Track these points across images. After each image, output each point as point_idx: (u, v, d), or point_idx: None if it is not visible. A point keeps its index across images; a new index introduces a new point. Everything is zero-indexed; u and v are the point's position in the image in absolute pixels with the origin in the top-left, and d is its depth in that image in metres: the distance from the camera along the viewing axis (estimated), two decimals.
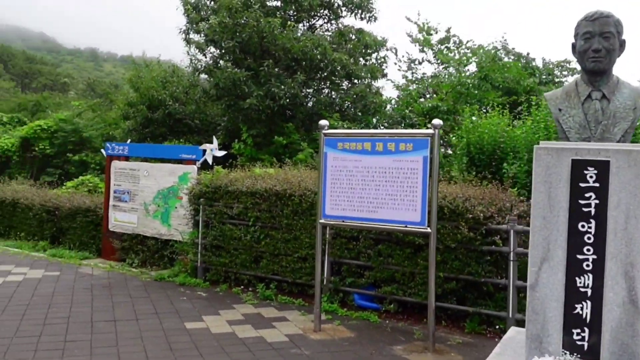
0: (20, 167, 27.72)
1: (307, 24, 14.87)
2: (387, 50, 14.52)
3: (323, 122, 5.95)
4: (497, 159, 7.86)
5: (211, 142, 8.91)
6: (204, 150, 8.52)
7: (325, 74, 13.19)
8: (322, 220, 5.92)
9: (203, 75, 14.52)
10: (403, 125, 11.80)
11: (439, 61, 14.64)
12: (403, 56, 15.61)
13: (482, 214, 5.82)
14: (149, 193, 9.29)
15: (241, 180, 7.80)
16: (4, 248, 10.47)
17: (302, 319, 6.32)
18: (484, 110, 10.84)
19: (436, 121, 5.38)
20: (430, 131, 5.35)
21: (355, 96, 13.18)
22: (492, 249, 5.93)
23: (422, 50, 14.96)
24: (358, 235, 6.71)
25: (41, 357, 4.82)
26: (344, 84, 14.01)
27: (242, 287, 7.64)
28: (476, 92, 11.96)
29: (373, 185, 5.59)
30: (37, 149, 26.85)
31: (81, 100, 34.53)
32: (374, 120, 12.94)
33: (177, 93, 14.20)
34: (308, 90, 13.03)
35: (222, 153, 8.72)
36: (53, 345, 5.11)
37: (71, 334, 5.46)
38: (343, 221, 5.84)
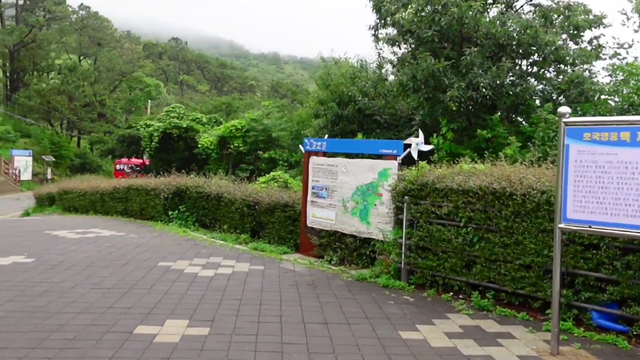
0: (218, 163, 30.16)
1: (504, 5, 13.58)
2: (603, 27, 12.57)
3: (563, 109, 5.04)
4: None
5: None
6: (407, 145, 8.00)
7: (534, 59, 11.86)
8: (562, 225, 5.01)
9: (391, 70, 14.10)
10: (633, 114, 10.13)
11: None
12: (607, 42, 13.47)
13: None
14: (347, 189, 9.05)
15: (450, 177, 7.14)
16: (211, 240, 11.04)
17: (530, 337, 5.47)
18: None
19: None
20: None
21: (571, 83, 11.66)
22: None
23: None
24: (599, 242, 5.66)
25: (262, 359, 4.67)
26: (550, 70, 12.52)
27: (451, 293, 6.98)
28: None
29: (634, 184, 4.56)
30: (232, 146, 28.95)
31: (269, 100, 36.44)
32: (592, 110, 11.27)
33: (366, 88, 13.96)
34: (512, 78, 11.82)
35: (428, 147, 8.14)
36: (271, 346, 4.95)
37: (286, 335, 5.28)
38: (590, 227, 4.88)
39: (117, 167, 45.31)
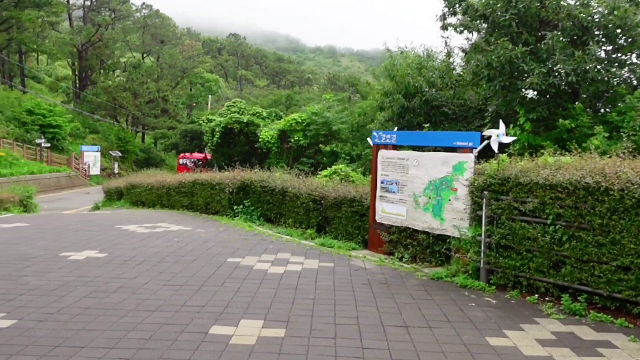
0: (278, 157, 30.27)
1: None
2: None
3: None
4: None
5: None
6: (486, 137, 7.54)
7: (620, 44, 10.99)
8: None
9: (460, 59, 13.50)
10: None
11: None
12: None
13: None
14: (419, 184, 8.67)
15: (535, 171, 6.66)
16: (278, 235, 10.91)
17: (633, 346, 4.99)
18: None
19: None
20: None
21: None
22: None
23: None
24: None
25: None
26: (636, 55, 11.60)
27: (537, 295, 6.52)
28: None
29: None
30: (292, 140, 28.97)
31: (330, 94, 36.25)
32: None
33: (433, 78, 13.44)
34: (596, 63, 10.99)
35: (510, 139, 7.63)
36: (351, 352, 4.69)
37: (366, 339, 5.01)
38: None
39: (180, 161, 46.31)
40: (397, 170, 9.11)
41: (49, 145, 41.74)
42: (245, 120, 34.38)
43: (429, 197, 8.46)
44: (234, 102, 38.62)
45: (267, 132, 31.13)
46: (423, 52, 15.09)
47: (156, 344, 4.75)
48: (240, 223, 12.45)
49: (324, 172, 18.45)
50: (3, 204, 15.25)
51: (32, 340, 4.79)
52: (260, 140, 31.52)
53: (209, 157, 42.02)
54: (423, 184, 8.58)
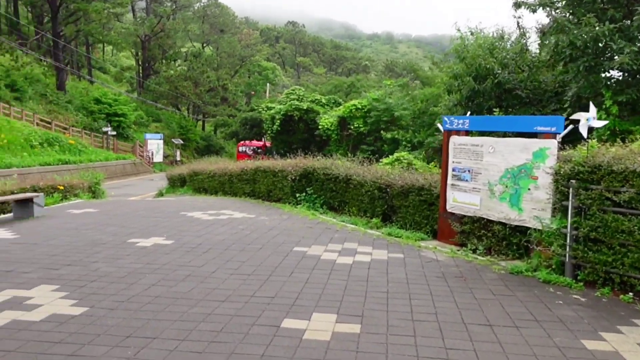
0: (338, 144, 29.97)
1: None
2: None
3: None
4: None
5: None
6: (573, 121, 6.96)
7: None
8: None
9: (536, 39, 12.71)
10: None
11: None
12: None
13: None
14: (494, 172, 8.17)
15: (631, 158, 6.07)
16: (342, 224, 10.64)
17: None
18: None
19: None
20: None
21: None
22: None
23: None
24: None
25: None
26: None
27: (631, 294, 5.95)
28: None
29: None
30: (352, 127, 28.59)
31: (390, 79, 35.60)
32: None
33: (506, 60, 12.72)
34: None
35: (601, 123, 7.02)
36: (434, 352, 4.36)
37: (448, 338, 4.66)
38: None
39: (240, 149, 46.85)
40: (470, 157, 8.63)
41: (114, 133, 43.11)
42: (304, 107, 34.22)
43: (506, 186, 7.95)
44: (293, 90, 38.58)
45: (327, 119, 30.83)
46: (495, 33, 14.34)
47: (227, 337, 4.57)
48: (304, 211, 12.26)
49: (386, 160, 18.05)
50: (73, 189, 15.67)
51: (104, 330, 4.71)
52: (319, 127, 31.28)
53: (268, 144, 42.26)
54: (499, 172, 8.08)
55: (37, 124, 35.01)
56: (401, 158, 18.05)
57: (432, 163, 17.33)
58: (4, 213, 12.24)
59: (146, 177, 37.91)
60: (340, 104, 35.35)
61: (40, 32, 48.79)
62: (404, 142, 23.99)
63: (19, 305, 5.37)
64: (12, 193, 12.74)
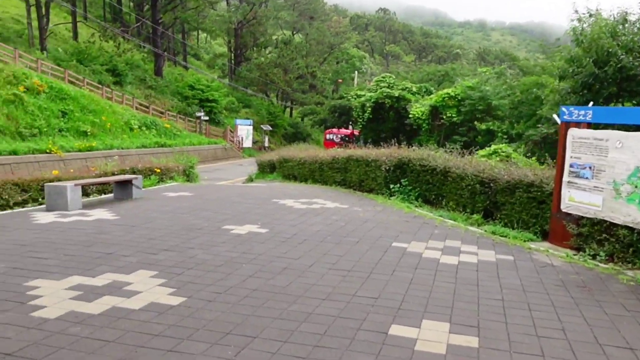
0: (429, 134, 29.03)
1: None
2: None
3: None
4: None
5: None
6: None
7: None
8: None
9: None
10: None
11: None
12: None
13: None
14: (621, 169, 7.28)
15: None
16: (440, 219, 10.05)
17: None
18: None
19: None
20: None
21: None
22: None
23: None
24: None
25: None
26: None
27: None
28: None
29: None
30: (444, 116, 27.56)
31: (486, 67, 34.03)
32: None
33: (632, 44, 11.46)
34: None
35: None
36: None
37: None
38: None
39: (327, 136, 46.76)
40: (592, 153, 7.77)
41: (207, 118, 44.33)
42: (396, 95, 33.39)
43: (636, 186, 7.07)
44: (383, 77, 37.78)
45: (418, 108, 29.89)
46: (617, 15, 13.01)
47: (332, 342, 4.21)
48: (398, 203, 11.75)
49: (482, 152, 17.13)
50: (169, 172, 16.01)
51: (203, 324, 4.49)
52: (410, 116, 30.40)
53: (355, 132, 41.83)
54: (628, 170, 7.20)
55: (136, 108, 36.56)
56: (499, 150, 17.08)
57: (534, 158, 16.22)
58: (104, 194, 12.64)
59: (236, 162, 38.68)
60: (431, 93, 34.24)
61: (140, 19, 50.97)
62: (499, 134, 22.76)
63: (118, 290, 5.29)
64: (113, 174, 13.13)
